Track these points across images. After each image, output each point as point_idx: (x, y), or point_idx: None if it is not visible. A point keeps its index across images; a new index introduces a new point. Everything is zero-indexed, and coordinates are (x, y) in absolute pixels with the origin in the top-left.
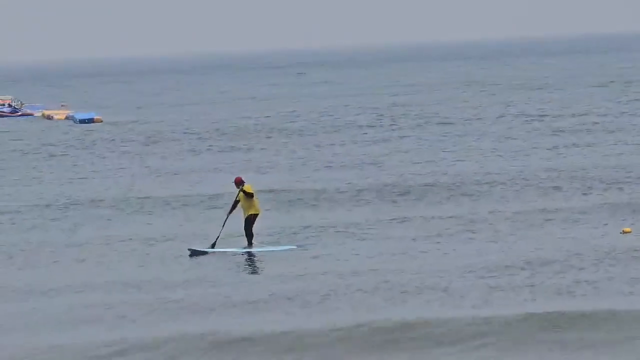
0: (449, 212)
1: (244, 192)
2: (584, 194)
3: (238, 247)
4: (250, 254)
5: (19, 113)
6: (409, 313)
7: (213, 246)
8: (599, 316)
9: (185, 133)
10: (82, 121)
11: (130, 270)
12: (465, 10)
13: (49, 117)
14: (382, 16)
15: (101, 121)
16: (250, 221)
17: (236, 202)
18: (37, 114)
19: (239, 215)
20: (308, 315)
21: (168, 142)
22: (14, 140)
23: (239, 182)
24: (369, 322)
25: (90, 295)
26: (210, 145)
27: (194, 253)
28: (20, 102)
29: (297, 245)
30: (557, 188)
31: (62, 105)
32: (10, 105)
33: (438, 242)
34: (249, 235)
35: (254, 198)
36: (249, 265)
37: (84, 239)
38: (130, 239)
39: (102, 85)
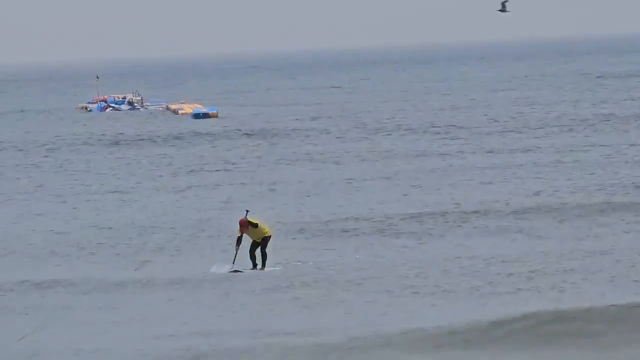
0: None
1: (250, 223)
2: None
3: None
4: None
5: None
6: None
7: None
8: None
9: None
10: (197, 116)
11: None
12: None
13: (175, 112)
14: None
15: (216, 116)
16: (258, 244)
17: (240, 238)
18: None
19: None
20: None
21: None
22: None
23: (243, 225)
24: None
25: None
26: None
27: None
28: (141, 97)
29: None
30: None
31: (182, 103)
32: (130, 103)
33: None
34: (254, 257)
35: (260, 226)
36: None
37: None
38: None
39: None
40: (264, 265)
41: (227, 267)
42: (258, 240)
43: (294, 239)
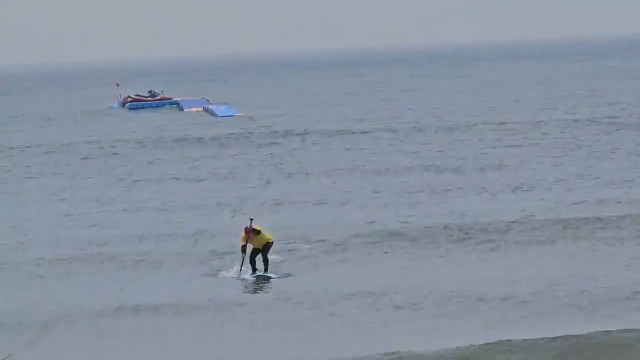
0: None
1: (253, 230)
2: None
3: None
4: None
5: (159, 97)
6: None
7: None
8: None
9: None
10: (223, 116)
11: None
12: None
13: (208, 111)
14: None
15: (240, 116)
16: (259, 251)
17: (245, 247)
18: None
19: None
20: None
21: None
22: None
23: (248, 232)
24: None
25: None
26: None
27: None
28: (162, 90)
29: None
30: None
31: (205, 100)
32: (150, 91)
33: None
34: (254, 262)
35: (262, 233)
36: None
37: None
38: None
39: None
40: (266, 269)
41: (234, 272)
42: (259, 247)
43: (303, 248)
